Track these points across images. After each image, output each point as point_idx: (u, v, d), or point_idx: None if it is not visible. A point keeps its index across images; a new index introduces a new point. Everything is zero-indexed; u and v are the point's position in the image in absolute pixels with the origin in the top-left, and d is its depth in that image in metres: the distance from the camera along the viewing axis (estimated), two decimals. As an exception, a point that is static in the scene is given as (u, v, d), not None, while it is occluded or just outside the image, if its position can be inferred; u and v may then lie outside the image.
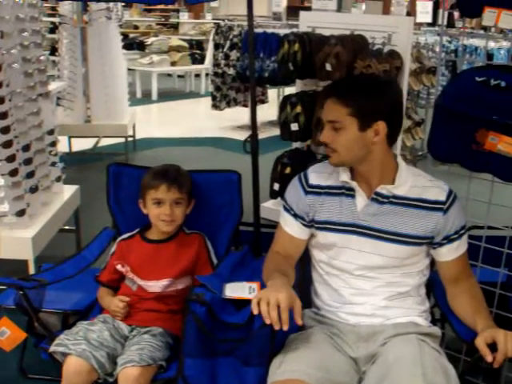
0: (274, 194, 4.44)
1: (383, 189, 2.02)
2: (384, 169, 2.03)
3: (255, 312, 1.75)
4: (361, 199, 2.04)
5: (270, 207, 4.78)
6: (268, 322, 1.72)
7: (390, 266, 2.03)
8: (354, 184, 2.04)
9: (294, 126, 4.19)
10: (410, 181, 2.04)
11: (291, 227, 2.16)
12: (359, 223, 2.03)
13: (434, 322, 2.17)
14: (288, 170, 4.30)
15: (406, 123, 5.81)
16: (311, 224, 2.12)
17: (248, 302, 1.84)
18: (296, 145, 4.62)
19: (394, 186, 2.02)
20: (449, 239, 2.05)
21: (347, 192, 2.07)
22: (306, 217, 2.12)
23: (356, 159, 2.00)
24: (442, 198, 2.02)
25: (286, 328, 1.72)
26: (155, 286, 2.32)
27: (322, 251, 2.13)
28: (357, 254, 2.04)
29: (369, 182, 2.04)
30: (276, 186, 4.37)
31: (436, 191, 2.03)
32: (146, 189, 2.36)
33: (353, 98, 1.94)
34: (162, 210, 2.33)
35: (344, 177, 2.06)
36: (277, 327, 1.72)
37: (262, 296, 1.76)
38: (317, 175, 2.14)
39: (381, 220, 2.02)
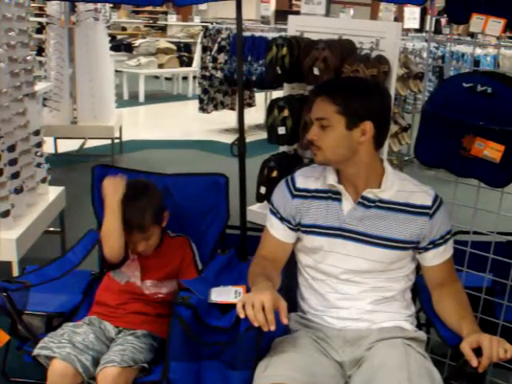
0: (260, 198, 4.44)
1: (369, 193, 2.02)
2: (370, 172, 2.03)
3: (241, 316, 1.75)
4: (347, 203, 2.05)
5: (256, 210, 4.78)
6: (256, 324, 1.73)
7: (375, 270, 2.04)
8: (340, 187, 2.05)
9: (281, 130, 4.19)
10: (397, 185, 2.05)
11: (277, 231, 2.15)
12: (345, 227, 2.04)
13: (419, 326, 2.17)
14: (275, 174, 4.31)
15: (393, 128, 5.83)
16: (297, 228, 2.12)
17: (234, 305, 1.84)
18: (283, 148, 4.63)
19: (381, 189, 2.02)
20: (434, 244, 2.05)
21: (334, 196, 2.07)
22: (292, 220, 2.12)
23: (341, 159, 1.99)
24: (428, 202, 2.03)
25: (273, 328, 1.72)
26: (144, 286, 2.32)
27: (308, 255, 2.13)
28: (343, 257, 2.05)
29: (355, 185, 2.04)
30: (263, 190, 4.38)
31: (422, 196, 2.04)
32: None
33: (341, 96, 1.94)
34: (133, 245, 2.29)
35: (331, 180, 2.06)
36: (265, 329, 1.72)
37: (245, 299, 1.76)
38: (304, 179, 2.14)
39: (367, 224, 2.02)
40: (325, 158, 2.00)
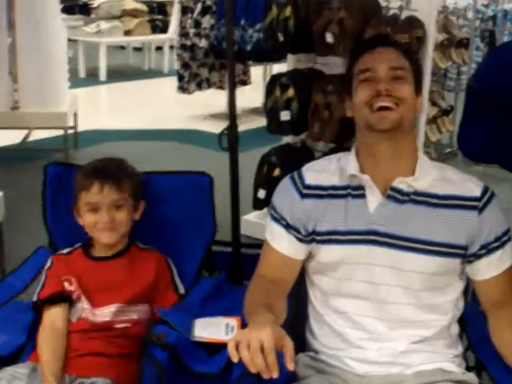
0: (258, 204, 4.44)
1: (401, 182, 2.03)
2: (406, 155, 2.07)
3: (235, 360, 1.74)
4: (373, 198, 2.04)
5: (253, 221, 4.77)
6: (253, 370, 1.72)
7: (413, 286, 2.03)
8: (364, 178, 2.05)
9: (285, 115, 4.19)
10: (434, 172, 2.07)
11: (282, 243, 2.15)
12: (374, 229, 2.03)
13: (467, 369, 2.17)
14: (277, 173, 4.30)
15: (431, 111, 5.84)
16: (310, 238, 2.11)
17: (224, 344, 1.84)
18: (287, 139, 4.63)
19: (414, 177, 2.03)
20: (488, 249, 2.04)
21: (354, 192, 2.07)
22: (302, 228, 2.11)
23: (411, 122, 2.08)
24: (476, 193, 2.04)
25: (275, 375, 1.71)
26: (101, 313, 2.31)
27: (326, 275, 2.12)
28: (371, 270, 2.04)
29: (383, 173, 2.05)
30: (261, 194, 4.37)
31: (468, 185, 2.06)
32: (77, 191, 2.36)
33: (412, 55, 2.10)
34: (97, 216, 2.32)
35: (352, 169, 2.07)
36: (265, 375, 1.71)
37: (239, 338, 1.75)
38: (315, 174, 2.14)
39: (400, 224, 2.02)
40: (401, 116, 2.01)
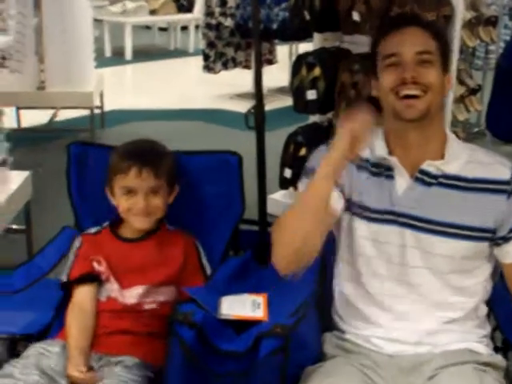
0: (284, 183, 4.43)
1: (430, 165, 2.02)
2: (433, 139, 2.05)
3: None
4: (401, 180, 2.04)
5: (279, 200, 4.77)
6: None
7: (442, 269, 2.02)
8: (392, 160, 2.04)
9: (312, 94, 4.18)
10: (464, 155, 2.05)
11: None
12: (400, 211, 2.03)
13: (495, 350, 2.17)
14: (303, 152, 4.29)
15: (458, 90, 5.79)
16: (345, 203, 2.10)
17: (251, 321, 1.85)
18: (314, 118, 4.61)
19: (444, 161, 2.02)
20: None
21: (386, 172, 2.07)
22: (339, 190, 2.08)
23: (439, 108, 2.05)
24: (506, 176, 2.02)
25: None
26: (129, 295, 2.32)
27: (351, 253, 2.12)
28: (399, 251, 2.04)
29: (411, 156, 2.04)
30: (287, 173, 4.37)
31: (497, 168, 2.04)
32: (113, 174, 2.36)
33: (440, 35, 2.06)
34: (133, 201, 2.32)
35: (380, 150, 2.06)
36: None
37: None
38: None
39: (427, 207, 2.02)
40: (428, 104, 2.00)
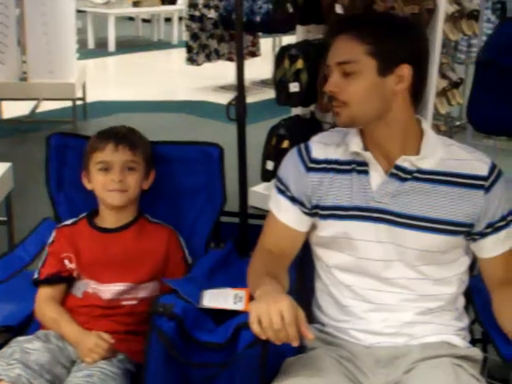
0: (266, 175, 4.43)
1: (405, 161, 2.01)
2: (406, 134, 2.03)
3: (263, 337, 1.73)
4: (376, 175, 2.04)
5: (261, 192, 4.78)
6: (278, 343, 1.73)
7: (417, 262, 2.03)
8: (367, 155, 2.04)
9: (294, 87, 4.17)
10: (441, 151, 2.04)
11: (286, 215, 2.15)
12: (374, 206, 2.03)
13: (473, 342, 2.18)
14: (285, 144, 4.29)
15: (441, 84, 5.80)
16: (314, 211, 2.11)
17: (230, 312, 1.85)
18: (296, 111, 4.61)
19: (419, 157, 2.01)
20: (494, 227, 2.05)
21: (359, 168, 2.06)
22: (306, 201, 2.11)
23: (372, 116, 1.99)
24: (484, 172, 2.02)
25: (296, 344, 1.73)
26: (107, 290, 2.32)
27: (329, 248, 2.13)
28: (374, 246, 2.04)
29: (386, 152, 2.04)
30: (270, 165, 4.36)
31: (475, 164, 2.03)
32: (90, 154, 2.38)
33: (373, 33, 1.95)
34: (109, 176, 2.33)
35: (354, 146, 2.06)
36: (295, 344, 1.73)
37: (260, 312, 1.74)
38: (322, 147, 2.13)
39: (402, 201, 2.02)
40: (351, 117, 1.99)
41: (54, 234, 2.43)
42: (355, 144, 2.06)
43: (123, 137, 2.37)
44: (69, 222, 2.46)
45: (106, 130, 2.45)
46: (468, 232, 2.05)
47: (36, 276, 2.37)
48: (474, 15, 5.92)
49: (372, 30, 1.95)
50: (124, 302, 2.32)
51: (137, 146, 2.38)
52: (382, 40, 1.94)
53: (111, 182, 2.32)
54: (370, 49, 1.93)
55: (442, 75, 5.85)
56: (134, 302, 2.33)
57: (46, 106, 7.14)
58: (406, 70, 1.95)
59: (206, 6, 7.82)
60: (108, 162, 2.33)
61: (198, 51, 8.21)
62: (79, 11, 8.89)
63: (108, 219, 2.40)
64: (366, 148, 2.06)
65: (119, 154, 2.33)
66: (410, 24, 2.05)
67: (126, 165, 2.34)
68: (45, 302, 2.31)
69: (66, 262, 2.35)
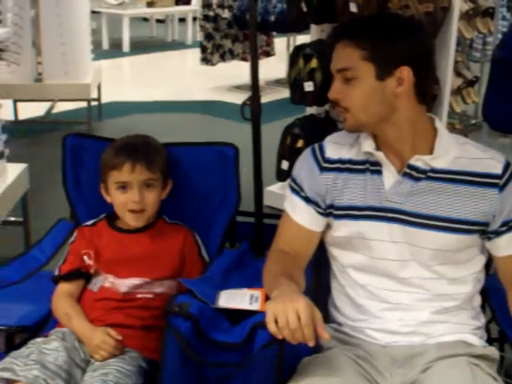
0: (281, 175, 4.43)
1: (418, 160, 2.01)
2: (418, 134, 2.03)
3: (279, 336, 1.74)
4: (389, 175, 2.04)
5: (276, 192, 4.78)
6: (294, 343, 1.73)
7: (432, 261, 2.02)
8: (379, 155, 2.04)
9: (309, 86, 4.17)
10: (454, 150, 2.03)
11: (301, 215, 2.15)
12: (388, 206, 2.03)
13: (489, 341, 2.17)
14: (300, 144, 4.29)
15: (456, 82, 5.79)
16: (328, 211, 2.11)
17: (246, 313, 1.84)
18: (311, 110, 4.61)
19: (433, 156, 2.01)
20: (509, 226, 2.04)
21: (372, 167, 2.06)
22: (321, 202, 2.12)
23: (377, 119, 1.99)
24: (498, 170, 2.01)
25: (312, 344, 1.73)
26: (123, 283, 2.33)
27: (343, 248, 2.13)
28: (389, 246, 2.04)
29: (399, 152, 2.03)
30: (285, 165, 4.37)
31: (489, 163, 2.02)
32: (107, 170, 2.37)
33: (368, 38, 1.95)
34: (128, 196, 2.33)
35: (367, 146, 2.06)
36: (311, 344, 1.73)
37: (276, 311, 1.75)
38: (336, 147, 2.14)
39: (416, 201, 2.01)
40: (356, 122, 2.01)
41: (75, 233, 2.46)
42: (368, 144, 2.06)
43: (141, 154, 2.34)
44: (89, 222, 2.48)
45: (122, 143, 2.42)
46: (483, 231, 2.04)
47: (56, 273, 2.38)
48: (489, 13, 5.90)
49: (368, 35, 1.96)
50: (139, 295, 2.33)
51: (154, 162, 2.36)
52: (378, 44, 1.94)
53: (130, 200, 2.33)
54: (366, 54, 1.94)
55: (457, 73, 5.83)
56: (149, 296, 2.33)
57: (61, 107, 7.16)
58: (405, 72, 1.94)
59: (220, 6, 7.82)
60: (126, 182, 2.33)
61: (212, 51, 8.22)
62: (94, 12, 8.91)
63: (126, 223, 2.41)
64: (378, 148, 2.06)
65: (137, 173, 2.32)
66: (408, 26, 2.05)
67: (144, 183, 2.34)
68: (60, 297, 2.33)
69: (86, 258, 2.37)
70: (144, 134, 2.49)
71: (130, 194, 2.33)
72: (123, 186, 2.33)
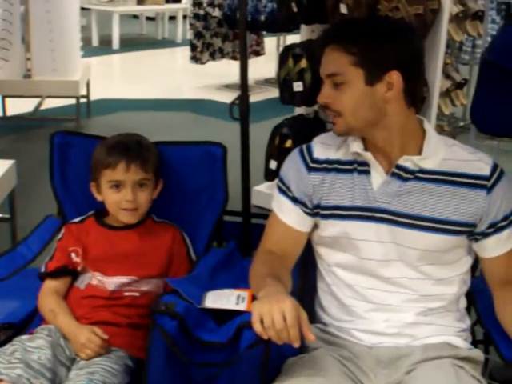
0: (270, 175, 4.43)
1: (407, 161, 2.01)
2: (407, 136, 2.03)
3: (265, 336, 1.73)
4: (377, 175, 2.04)
5: (264, 192, 4.77)
6: (279, 343, 1.73)
7: (418, 262, 2.03)
8: (367, 155, 2.04)
9: (298, 86, 4.17)
10: (443, 152, 2.04)
11: (289, 215, 2.15)
12: (375, 206, 2.03)
13: (474, 343, 2.18)
14: (289, 144, 4.29)
15: (445, 84, 5.80)
16: (316, 211, 2.12)
17: (232, 312, 1.84)
18: (300, 110, 4.61)
19: (422, 156, 2.01)
20: (496, 227, 2.04)
21: (360, 168, 2.07)
22: (308, 202, 2.12)
23: (366, 123, 1.99)
24: (486, 172, 2.02)
25: (297, 345, 1.73)
26: (111, 281, 2.32)
27: (330, 248, 2.13)
28: (375, 246, 2.04)
29: (387, 153, 2.04)
30: (273, 165, 4.37)
31: (477, 164, 2.03)
32: (100, 169, 2.36)
33: (357, 43, 1.94)
34: (122, 195, 2.33)
35: (355, 147, 2.06)
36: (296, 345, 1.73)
37: (262, 312, 1.74)
38: (324, 147, 2.14)
39: (404, 201, 2.02)
40: (347, 126, 2.01)
41: (62, 230, 2.45)
42: (356, 145, 2.06)
43: (136, 154, 2.34)
44: (77, 219, 2.47)
45: (116, 142, 2.41)
46: (470, 232, 2.05)
47: (43, 270, 2.38)
48: (478, 16, 5.92)
49: (357, 40, 1.95)
50: (126, 293, 2.33)
51: (148, 163, 2.36)
52: (367, 49, 1.94)
53: (123, 200, 2.33)
54: (355, 59, 1.94)
55: (446, 76, 5.85)
56: (136, 294, 2.33)
57: (50, 104, 7.14)
58: (395, 77, 1.94)
59: (211, 4, 7.81)
60: (120, 181, 2.32)
61: (202, 50, 8.21)
62: (83, 9, 8.90)
63: (115, 219, 2.41)
64: (366, 148, 2.06)
65: (131, 173, 2.32)
66: (397, 29, 2.03)
67: (137, 183, 2.34)
68: (47, 294, 2.33)
69: (73, 255, 2.37)
70: (135, 133, 2.49)
71: (123, 193, 2.33)
72: (116, 185, 2.33)
